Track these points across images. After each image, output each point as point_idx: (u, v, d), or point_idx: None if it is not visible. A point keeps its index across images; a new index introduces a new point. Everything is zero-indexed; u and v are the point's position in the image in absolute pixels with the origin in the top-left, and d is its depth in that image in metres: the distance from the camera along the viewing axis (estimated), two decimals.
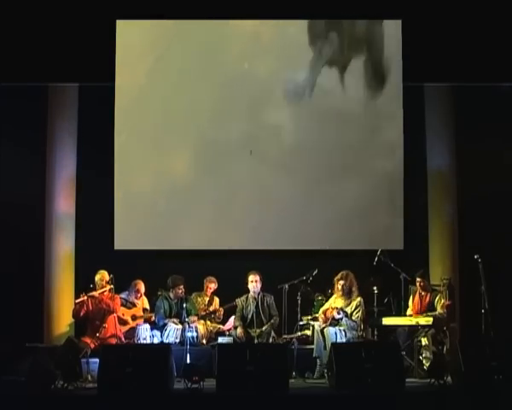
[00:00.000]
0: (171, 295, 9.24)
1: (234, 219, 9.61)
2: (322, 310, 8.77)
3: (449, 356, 8.15)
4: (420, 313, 8.68)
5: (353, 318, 8.58)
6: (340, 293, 8.69)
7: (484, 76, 9.35)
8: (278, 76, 9.62)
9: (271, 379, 7.17)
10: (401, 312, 8.89)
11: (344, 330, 8.49)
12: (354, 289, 8.68)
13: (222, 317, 9.44)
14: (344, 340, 8.40)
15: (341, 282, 8.67)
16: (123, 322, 8.93)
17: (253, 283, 9.03)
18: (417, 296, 8.81)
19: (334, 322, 8.57)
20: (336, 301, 8.74)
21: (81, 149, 9.89)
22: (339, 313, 8.56)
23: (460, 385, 7.37)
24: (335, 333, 8.45)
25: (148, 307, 9.32)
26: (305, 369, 8.47)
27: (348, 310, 8.60)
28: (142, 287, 9.22)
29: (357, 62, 9.58)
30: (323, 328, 8.53)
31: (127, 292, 9.22)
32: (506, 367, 7.31)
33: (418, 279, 8.79)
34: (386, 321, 8.57)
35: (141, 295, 9.25)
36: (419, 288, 8.79)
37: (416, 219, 9.71)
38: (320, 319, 8.69)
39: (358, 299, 8.65)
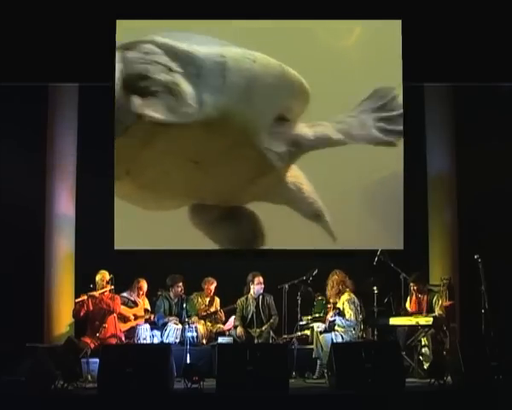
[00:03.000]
0: (171, 294, 9.27)
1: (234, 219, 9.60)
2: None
3: (449, 356, 8.15)
4: (419, 314, 8.67)
5: (345, 313, 8.55)
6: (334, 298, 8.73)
7: (484, 76, 9.33)
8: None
9: (271, 379, 7.17)
10: (400, 312, 8.89)
11: (341, 335, 8.47)
12: (342, 286, 8.67)
13: (223, 319, 9.44)
14: None
15: (332, 290, 8.70)
16: (124, 319, 8.94)
17: (259, 285, 9.08)
18: (414, 299, 8.80)
19: (332, 324, 8.57)
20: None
21: (81, 149, 9.89)
22: (331, 316, 8.59)
23: (460, 385, 7.37)
24: (331, 340, 8.40)
25: (149, 307, 9.31)
26: (305, 369, 8.50)
27: (340, 307, 8.60)
28: (144, 285, 9.22)
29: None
30: (322, 330, 8.54)
31: (129, 290, 9.22)
32: (506, 367, 7.32)
33: (411, 284, 8.78)
34: (392, 321, 8.55)
35: (143, 293, 9.24)
36: (414, 292, 8.78)
37: (416, 219, 9.71)
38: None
39: (347, 294, 8.63)
